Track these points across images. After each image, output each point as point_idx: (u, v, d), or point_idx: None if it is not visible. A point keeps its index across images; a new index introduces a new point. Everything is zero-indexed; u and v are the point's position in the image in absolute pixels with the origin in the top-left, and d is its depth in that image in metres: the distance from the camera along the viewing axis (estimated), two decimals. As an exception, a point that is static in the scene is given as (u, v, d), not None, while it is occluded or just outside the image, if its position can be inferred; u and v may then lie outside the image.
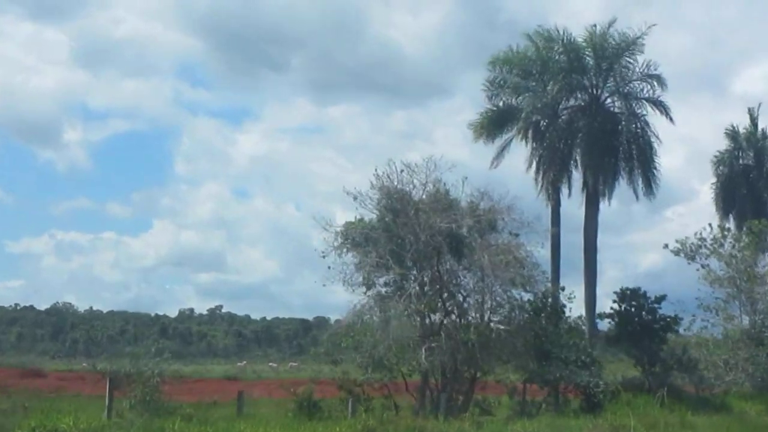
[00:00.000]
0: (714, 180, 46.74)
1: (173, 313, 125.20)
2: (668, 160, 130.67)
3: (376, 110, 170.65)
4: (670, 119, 38.53)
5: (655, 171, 38.76)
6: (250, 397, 25.11)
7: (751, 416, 24.97)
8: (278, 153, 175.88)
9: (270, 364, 74.41)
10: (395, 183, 22.77)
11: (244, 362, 77.12)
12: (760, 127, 46.82)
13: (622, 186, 38.75)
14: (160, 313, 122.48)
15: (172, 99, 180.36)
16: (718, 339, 32.49)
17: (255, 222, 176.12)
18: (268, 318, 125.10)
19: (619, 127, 38.32)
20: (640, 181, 38.60)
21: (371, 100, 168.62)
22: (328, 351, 25.53)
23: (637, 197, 38.92)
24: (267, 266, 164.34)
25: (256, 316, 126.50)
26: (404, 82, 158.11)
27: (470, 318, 22.98)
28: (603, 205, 38.73)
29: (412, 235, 22.29)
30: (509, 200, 23.09)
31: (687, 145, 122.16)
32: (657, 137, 38.84)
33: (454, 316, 22.92)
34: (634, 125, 38.75)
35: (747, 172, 44.49)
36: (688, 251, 33.70)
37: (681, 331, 30.73)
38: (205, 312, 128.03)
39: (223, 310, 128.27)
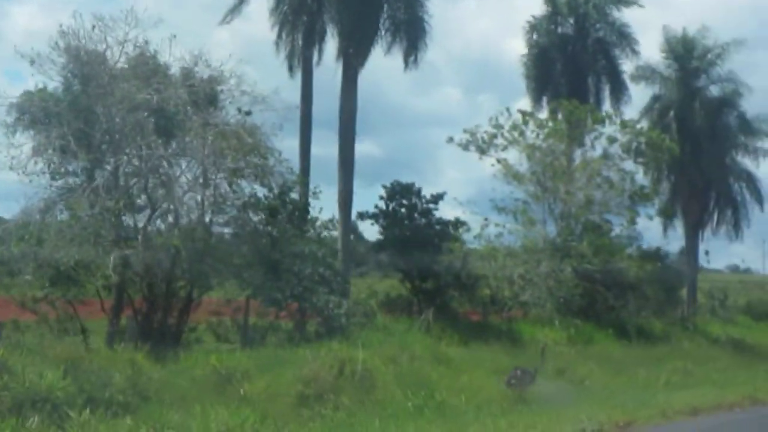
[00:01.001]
0: (525, 52, 36.00)
1: None
2: (481, 24, 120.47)
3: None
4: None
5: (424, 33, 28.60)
6: None
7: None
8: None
9: None
10: (84, 42, 17.20)
11: None
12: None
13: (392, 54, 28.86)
14: None
15: None
16: (516, 249, 27.82)
17: None
18: None
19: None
20: (405, 46, 28.29)
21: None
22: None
23: (407, 65, 28.58)
24: None
25: None
26: None
27: (183, 219, 18.02)
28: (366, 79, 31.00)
29: (105, 109, 17.04)
30: (236, 66, 18.03)
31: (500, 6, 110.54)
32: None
33: (158, 216, 17.92)
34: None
35: (565, 43, 35.40)
36: (480, 143, 29.26)
37: (471, 239, 26.81)
38: None
39: None
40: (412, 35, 28.38)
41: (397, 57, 28.66)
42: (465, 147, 29.54)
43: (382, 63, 31.06)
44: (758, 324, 33.44)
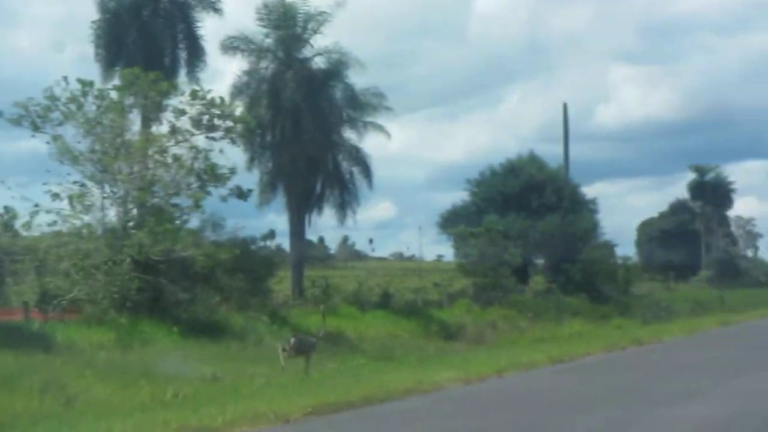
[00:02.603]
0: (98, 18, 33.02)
1: None
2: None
3: None
4: None
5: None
6: None
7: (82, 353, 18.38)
8: None
9: None
10: None
11: None
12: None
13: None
14: None
15: None
16: (68, 238, 24.43)
17: None
18: None
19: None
20: None
21: None
22: None
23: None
24: None
25: None
26: None
27: None
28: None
29: None
30: None
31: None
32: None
33: None
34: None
35: (138, 8, 32.33)
36: (35, 117, 25.04)
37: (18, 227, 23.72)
38: None
39: None
40: None
41: None
42: (17, 122, 25.25)
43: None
44: (364, 315, 31.89)
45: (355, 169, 36.35)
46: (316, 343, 15.15)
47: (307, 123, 33.85)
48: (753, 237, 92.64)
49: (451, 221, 47.65)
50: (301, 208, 35.18)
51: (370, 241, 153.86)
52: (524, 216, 46.64)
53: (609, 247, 47.73)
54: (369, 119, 35.76)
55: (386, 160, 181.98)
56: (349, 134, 36.42)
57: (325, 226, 38.82)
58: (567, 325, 32.94)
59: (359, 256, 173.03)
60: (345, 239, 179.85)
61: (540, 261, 49.99)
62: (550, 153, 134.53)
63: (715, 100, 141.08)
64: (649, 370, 17.46)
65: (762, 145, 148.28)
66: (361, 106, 35.40)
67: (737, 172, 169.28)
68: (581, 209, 48.55)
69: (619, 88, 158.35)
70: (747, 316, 39.41)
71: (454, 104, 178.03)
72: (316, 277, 35.24)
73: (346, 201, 36.10)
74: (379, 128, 36.11)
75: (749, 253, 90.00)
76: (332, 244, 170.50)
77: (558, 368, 17.62)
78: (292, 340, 15.59)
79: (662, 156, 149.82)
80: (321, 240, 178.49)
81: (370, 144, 37.10)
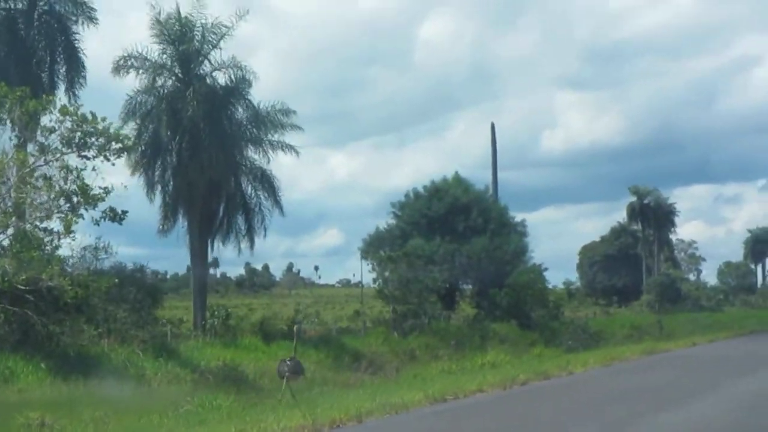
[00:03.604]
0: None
1: None
2: None
3: None
4: None
5: None
6: None
7: None
8: None
9: None
10: None
11: None
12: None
13: None
14: None
15: None
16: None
17: None
18: None
19: None
20: None
21: None
22: None
23: None
24: None
25: None
26: None
27: None
28: None
29: None
30: None
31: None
32: None
33: None
34: None
35: (14, 19, 30.04)
36: None
37: None
38: None
39: None
40: None
41: None
42: None
43: None
44: (269, 346, 29.96)
45: (262, 193, 34.62)
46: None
47: (207, 143, 32.18)
48: (696, 260, 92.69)
49: (375, 246, 46.10)
50: (203, 234, 33.36)
51: (316, 268, 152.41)
52: (450, 240, 45.30)
53: (537, 270, 46.34)
54: (278, 138, 34.07)
55: (333, 188, 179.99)
56: (255, 155, 34.74)
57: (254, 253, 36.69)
58: (483, 354, 31.17)
59: (305, 283, 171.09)
60: (290, 266, 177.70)
61: (469, 286, 48.69)
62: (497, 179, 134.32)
63: (662, 125, 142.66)
64: (531, 416, 15.16)
65: (709, 170, 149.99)
66: (265, 124, 33.74)
67: (685, 197, 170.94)
68: (509, 232, 47.36)
69: (566, 114, 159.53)
70: (678, 344, 37.45)
71: (401, 132, 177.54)
72: (217, 305, 33.32)
73: (252, 226, 34.30)
74: (288, 148, 34.45)
75: (692, 276, 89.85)
76: (277, 271, 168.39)
77: (432, 410, 15.36)
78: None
79: (609, 181, 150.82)
80: (266, 267, 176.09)
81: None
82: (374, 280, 40.25)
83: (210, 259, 34.25)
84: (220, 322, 30.21)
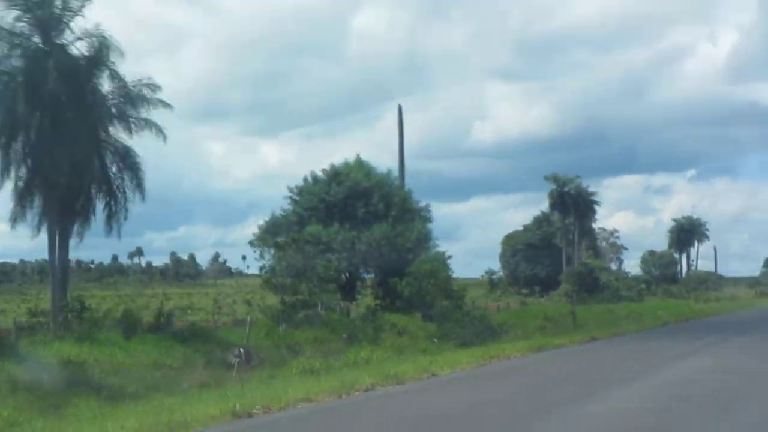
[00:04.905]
0: None
1: None
2: None
3: None
4: None
5: None
6: None
7: None
8: None
9: None
10: None
11: None
12: None
13: None
14: None
15: None
16: None
17: None
18: None
19: None
20: None
21: None
22: None
23: None
24: None
25: None
26: None
27: None
28: None
29: None
30: None
31: None
32: None
33: None
34: None
35: None
36: None
37: None
38: None
39: None
40: None
41: None
42: None
43: None
44: (128, 341, 27.46)
45: (126, 174, 32.17)
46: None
47: (69, 119, 29.73)
48: (617, 249, 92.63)
49: (272, 233, 44.01)
50: (64, 219, 30.84)
51: (244, 258, 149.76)
52: (349, 226, 43.43)
53: (441, 258, 44.63)
54: (142, 113, 31.60)
55: (263, 177, 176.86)
56: (121, 133, 32.26)
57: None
58: (358, 350, 29.17)
59: (232, 273, 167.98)
60: (216, 256, 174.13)
61: (371, 276, 46.91)
62: (427, 169, 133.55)
63: (591, 116, 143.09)
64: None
65: (637, 161, 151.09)
66: (132, 100, 31.29)
67: (614, 187, 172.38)
68: (412, 218, 45.62)
69: (496, 105, 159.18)
70: (574, 338, 35.15)
71: (333, 121, 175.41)
72: (73, 297, 30.75)
73: (113, 210, 31.87)
74: (155, 126, 32.03)
75: (613, 266, 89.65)
76: (205, 262, 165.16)
77: (231, 429, 13.32)
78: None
79: (538, 172, 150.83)
80: (192, 257, 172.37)
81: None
82: (261, 269, 38.17)
83: (71, 244, 31.48)
84: (75, 315, 27.78)
